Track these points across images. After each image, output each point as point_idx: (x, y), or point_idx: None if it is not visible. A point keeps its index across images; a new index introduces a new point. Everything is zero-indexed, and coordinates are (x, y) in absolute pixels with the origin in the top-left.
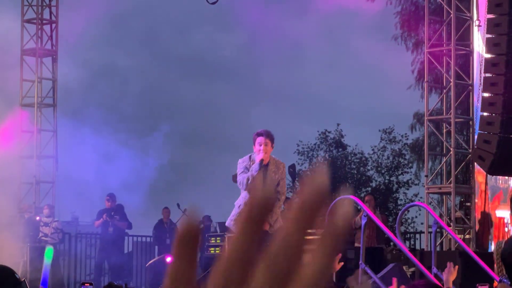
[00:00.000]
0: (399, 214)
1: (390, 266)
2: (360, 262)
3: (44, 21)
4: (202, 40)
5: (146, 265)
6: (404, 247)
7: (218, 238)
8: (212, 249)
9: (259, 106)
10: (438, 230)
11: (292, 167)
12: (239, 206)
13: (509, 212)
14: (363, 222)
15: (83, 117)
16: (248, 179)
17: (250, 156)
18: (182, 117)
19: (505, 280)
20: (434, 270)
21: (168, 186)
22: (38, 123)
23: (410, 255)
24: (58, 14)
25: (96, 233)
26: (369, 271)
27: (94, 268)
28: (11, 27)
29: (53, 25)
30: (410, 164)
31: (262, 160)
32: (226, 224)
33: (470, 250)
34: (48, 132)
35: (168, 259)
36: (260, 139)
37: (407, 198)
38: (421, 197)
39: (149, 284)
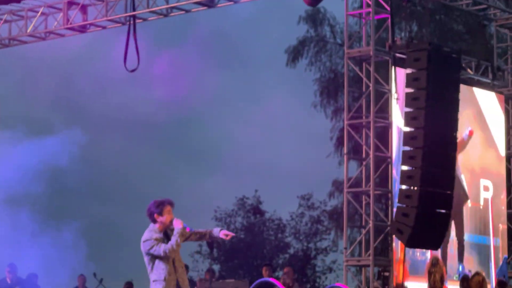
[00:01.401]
0: None
1: None
2: None
3: None
4: (120, 98)
5: None
6: None
7: None
8: None
9: (176, 165)
10: None
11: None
12: (154, 281)
13: (427, 284)
14: None
15: None
16: (170, 248)
17: (152, 230)
18: (98, 173)
19: None
20: None
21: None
22: None
23: None
24: None
25: None
26: None
27: None
28: None
29: None
30: (328, 231)
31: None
32: None
33: None
34: None
35: None
36: (169, 207)
37: (325, 265)
38: (339, 264)
39: None
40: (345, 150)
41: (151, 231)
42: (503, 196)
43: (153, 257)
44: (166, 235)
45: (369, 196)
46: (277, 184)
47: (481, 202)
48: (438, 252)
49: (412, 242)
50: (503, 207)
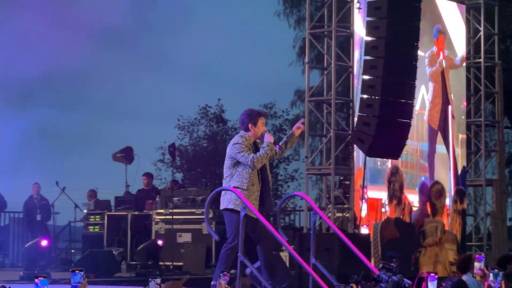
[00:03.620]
0: (278, 205)
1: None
2: (239, 254)
3: None
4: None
5: (23, 248)
6: (287, 244)
7: (97, 216)
8: (91, 227)
9: (141, 73)
10: (318, 217)
11: (172, 146)
12: (235, 187)
13: (386, 193)
14: (242, 213)
15: None
16: (258, 158)
17: (244, 136)
18: (60, 82)
19: (382, 276)
20: (313, 260)
21: (40, 157)
22: None
23: (293, 252)
24: None
25: None
26: (247, 263)
27: None
28: None
29: None
30: None
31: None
32: (226, 206)
33: (344, 236)
34: None
35: (44, 243)
36: (264, 120)
37: (287, 174)
38: (301, 173)
39: (25, 267)
40: (307, 59)
41: (243, 137)
42: (463, 105)
43: (237, 163)
44: (256, 146)
45: (330, 105)
46: (240, 92)
47: None
48: (398, 162)
49: (372, 151)
50: (463, 117)
